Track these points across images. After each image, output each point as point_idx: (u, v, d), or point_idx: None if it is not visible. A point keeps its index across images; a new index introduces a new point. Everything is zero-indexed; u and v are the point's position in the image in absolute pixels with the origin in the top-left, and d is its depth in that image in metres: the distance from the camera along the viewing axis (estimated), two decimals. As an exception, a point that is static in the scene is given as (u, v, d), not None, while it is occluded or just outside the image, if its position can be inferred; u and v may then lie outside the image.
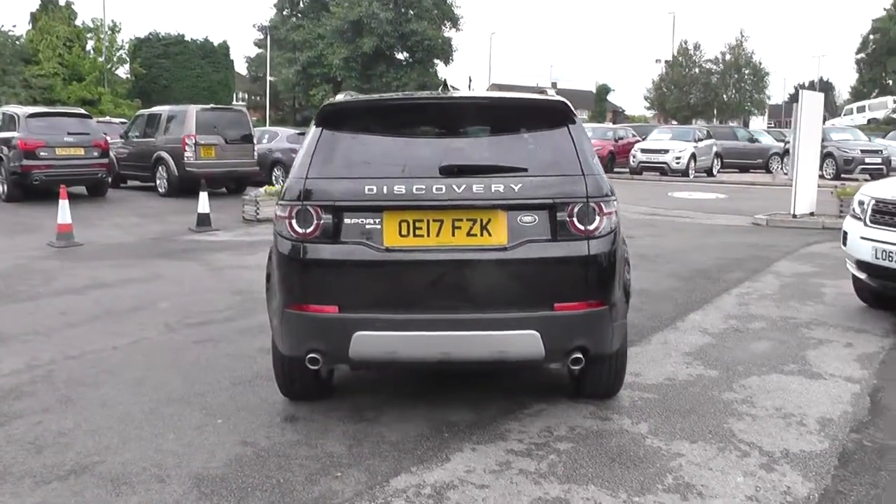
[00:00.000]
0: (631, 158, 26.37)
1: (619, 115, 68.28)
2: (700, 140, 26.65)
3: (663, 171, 25.35)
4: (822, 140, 18.88)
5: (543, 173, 4.01)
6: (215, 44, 50.18)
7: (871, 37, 59.53)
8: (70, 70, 42.16)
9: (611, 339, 4.11)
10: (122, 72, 46.79)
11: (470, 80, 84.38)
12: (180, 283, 8.49)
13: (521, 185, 3.93)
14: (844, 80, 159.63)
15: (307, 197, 3.97)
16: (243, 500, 3.53)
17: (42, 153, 15.26)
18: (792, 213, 13.71)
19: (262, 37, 56.74)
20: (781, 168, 27.47)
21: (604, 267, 3.99)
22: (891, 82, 53.30)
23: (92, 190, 16.56)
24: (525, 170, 4.00)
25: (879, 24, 58.86)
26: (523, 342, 3.86)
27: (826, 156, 23.36)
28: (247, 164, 17.71)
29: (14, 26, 43.50)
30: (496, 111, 4.52)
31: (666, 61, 56.98)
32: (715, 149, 27.19)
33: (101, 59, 43.69)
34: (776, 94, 67.47)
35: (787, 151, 26.58)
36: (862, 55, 60.70)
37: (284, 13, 45.50)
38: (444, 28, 39.65)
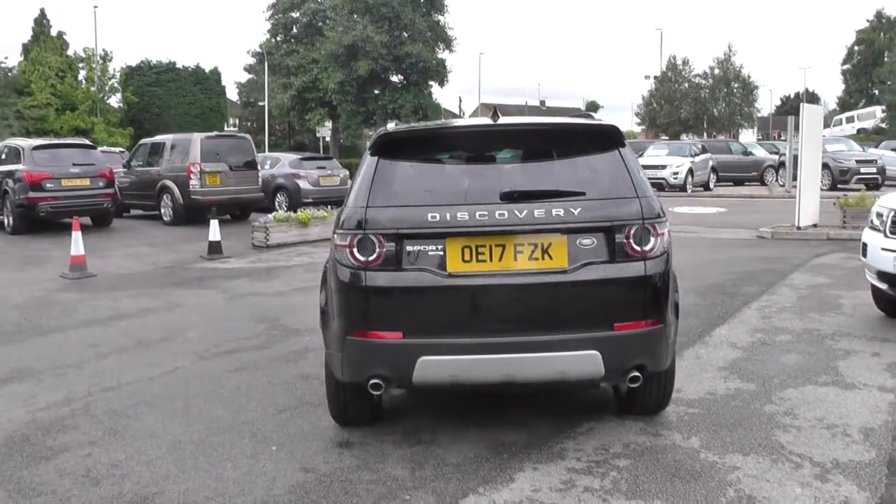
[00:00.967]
0: (628, 175, 26.46)
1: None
2: (696, 155, 26.90)
3: (661, 186, 25.52)
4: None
5: (600, 196, 4.11)
6: (207, 70, 50.43)
7: (856, 48, 60.31)
8: (63, 100, 42.32)
9: (666, 357, 4.21)
10: (115, 100, 47.03)
11: (460, 101, 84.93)
12: (202, 311, 8.53)
13: (579, 209, 4.03)
14: (831, 90, 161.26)
15: (368, 225, 4.04)
16: (315, 525, 3.57)
17: (48, 185, 15.29)
18: (796, 225, 13.85)
19: (253, 62, 57.00)
20: (777, 180, 27.72)
21: (658, 287, 4.09)
22: (877, 92, 53.84)
23: (97, 220, 16.58)
24: (583, 193, 4.10)
25: (864, 35, 59.69)
26: (585, 362, 3.94)
27: (821, 167, 23.58)
28: (251, 190, 17.76)
29: (6, 58, 43.59)
30: (550, 136, 4.62)
31: (655, 77, 57.46)
32: (711, 163, 27.43)
33: (93, 89, 43.90)
34: (763, 106, 67.92)
35: (781, 164, 26.88)
36: (847, 66, 61.46)
37: (278, 38, 45.70)
38: (438, 50, 39.89)
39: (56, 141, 18.55)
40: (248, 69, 61.07)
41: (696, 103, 54.65)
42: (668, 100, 55.45)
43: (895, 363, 5.90)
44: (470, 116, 60.44)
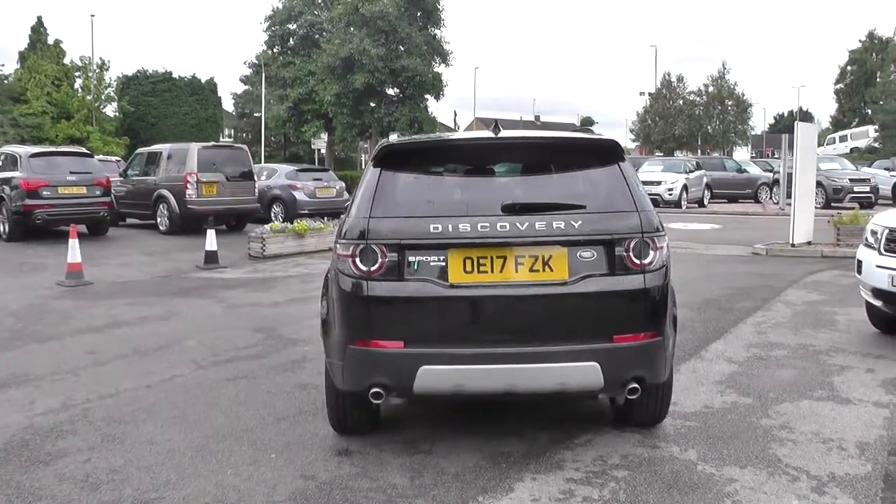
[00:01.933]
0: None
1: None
2: (691, 171, 27.05)
3: (656, 202, 25.17)
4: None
5: (600, 210, 4.17)
6: (203, 81, 50.45)
7: (849, 67, 60.73)
8: (58, 108, 42.20)
9: (664, 369, 4.25)
10: (111, 110, 46.90)
11: (455, 115, 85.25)
12: (199, 320, 8.54)
13: (580, 222, 4.08)
14: (824, 109, 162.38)
15: (370, 236, 4.08)
16: (315, 532, 3.59)
17: (45, 192, 15.30)
18: (790, 242, 13.93)
19: (249, 73, 57.04)
20: (771, 198, 27.87)
21: (657, 300, 4.14)
22: (870, 112, 54.22)
23: (93, 228, 16.57)
24: (583, 207, 4.15)
25: (856, 55, 60.13)
26: (584, 373, 3.98)
27: (815, 185, 23.74)
28: (248, 200, 17.80)
29: (2, 65, 43.59)
30: (551, 150, 4.68)
31: (650, 94, 57.78)
32: (705, 180, 27.57)
33: (89, 98, 43.79)
34: (757, 124, 68.39)
35: (776, 181, 27.03)
36: (840, 85, 61.84)
37: (275, 50, 45.75)
38: (434, 64, 39.97)
39: (53, 149, 18.57)
40: (245, 80, 61.12)
41: (691, 120, 54.94)
42: (663, 116, 55.74)
43: (890, 379, 5.96)
44: (465, 130, 60.64)
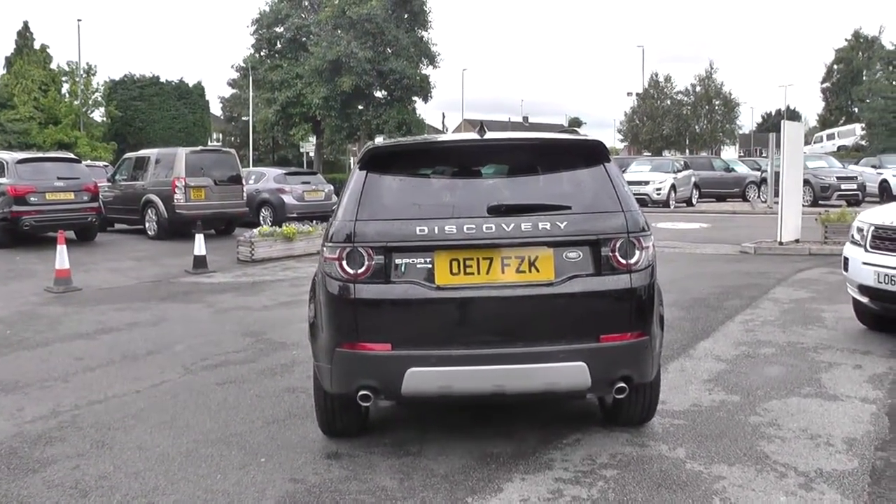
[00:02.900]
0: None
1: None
2: (679, 171, 27.15)
3: (644, 202, 25.66)
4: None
5: (585, 210, 4.18)
6: (190, 85, 50.34)
7: (836, 66, 60.98)
8: (46, 114, 42.01)
9: (651, 368, 4.26)
10: (98, 114, 46.66)
11: (443, 117, 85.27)
12: (188, 325, 8.52)
13: (566, 223, 4.09)
14: (811, 108, 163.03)
15: (357, 238, 4.08)
16: (305, 536, 3.59)
17: (32, 199, 15.21)
18: (778, 240, 13.99)
19: (237, 77, 56.90)
20: (759, 196, 27.99)
21: (644, 299, 4.15)
22: (856, 110, 54.47)
23: (81, 234, 16.49)
24: (569, 207, 4.16)
25: (843, 54, 60.38)
26: (572, 373, 3.99)
27: (803, 183, 23.87)
28: (236, 205, 17.78)
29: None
30: (536, 151, 4.68)
31: (637, 94, 57.96)
32: (693, 179, 27.67)
33: (76, 103, 43.59)
34: (744, 123, 68.67)
35: (763, 180, 27.16)
36: (827, 84, 62.07)
37: (262, 53, 45.70)
38: (421, 66, 40.05)
39: (41, 154, 18.46)
40: (232, 84, 60.96)
41: (678, 120, 55.16)
42: (651, 116, 55.95)
43: (877, 375, 5.99)
44: (453, 132, 60.67)
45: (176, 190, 16.75)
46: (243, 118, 58.00)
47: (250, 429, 5.04)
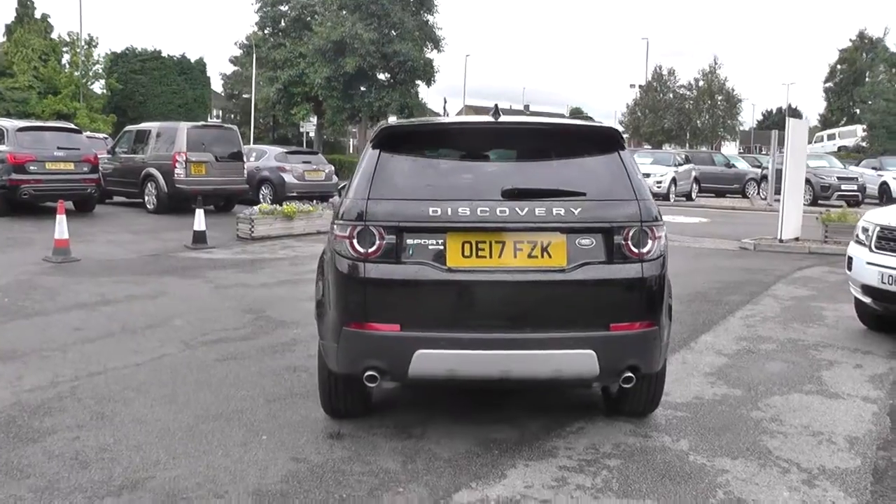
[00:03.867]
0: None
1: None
2: (680, 165, 27.11)
3: (644, 194, 25.69)
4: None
5: (599, 198, 4.15)
6: (192, 60, 50.00)
7: (839, 66, 60.88)
8: (45, 84, 41.68)
9: (659, 359, 4.25)
10: (98, 86, 46.29)
11: (445, 101, 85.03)
12: (188, 300, 8.48)
13: (580, 209, 4.06)
14: (812, 107, 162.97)
15: (368, 217, 4.05)
16: (309, 514, 3.57)
17: (31, 167, 15.13)
18: (778, 237, 13.98)
19: (239, 54, 56.58)
20: (759, 193, 27.98)
21: (654, 289, 4.13)
22: (858, 111, 54.41)
23: (80, 205, 16.41)
24: (584, 194, 4.13)
25: (846, 55, 60.27)
26: (580, 361, 3.97)
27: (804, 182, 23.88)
28: (236, 181, 17.70)
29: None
30: (551, 136, 4.65)
31: (640, 86, 57.83)
32: (694, 173, 27.65)
33: (77, 74, 43.26)
34: (746, 120, 68.62)
35: (763, 177, 27.13)
36: (830, 84, 61.98)
37: (266, 31, 45.41)
38: (426, 49, 39.84)
39: (41, 123, 18.34)
40: (234, 61, 60.63)
41: (680, 114, 55.08)
42: (653, 109, 55.86)
43: (878, 375, 6.00)
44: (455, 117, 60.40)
45: (176, 164, 16.67)
46: (244, 96, 57.70)
47: (251, 406, 5.02)
